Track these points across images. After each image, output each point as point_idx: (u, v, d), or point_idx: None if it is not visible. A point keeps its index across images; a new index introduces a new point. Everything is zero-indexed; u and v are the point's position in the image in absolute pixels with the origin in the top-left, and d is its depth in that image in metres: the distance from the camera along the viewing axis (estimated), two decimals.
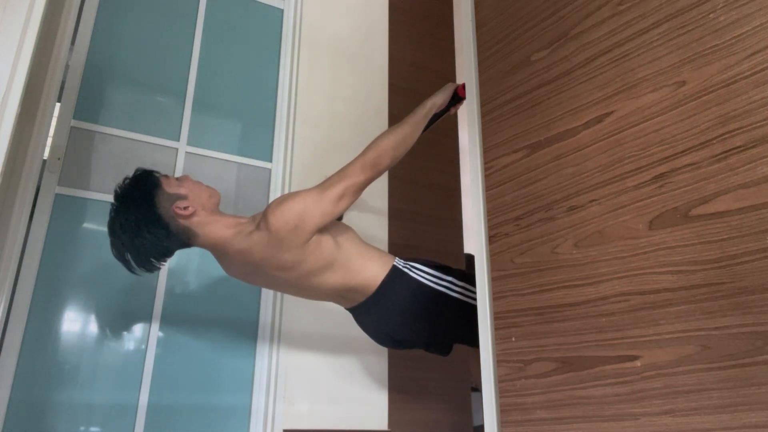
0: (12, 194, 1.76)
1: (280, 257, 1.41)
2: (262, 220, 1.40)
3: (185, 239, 1.44)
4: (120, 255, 1.41)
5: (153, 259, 1.43)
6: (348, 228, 1.60)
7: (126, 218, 1.37)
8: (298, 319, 2.13)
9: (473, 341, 1.30)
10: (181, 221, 1.41)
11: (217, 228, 1.44)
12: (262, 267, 1.45)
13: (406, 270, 1.57)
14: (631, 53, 1.03)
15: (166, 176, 1.46)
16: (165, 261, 1.47)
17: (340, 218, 2.22)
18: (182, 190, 1.43)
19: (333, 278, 1.51)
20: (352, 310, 1.65)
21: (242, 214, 2.18)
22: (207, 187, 1.50)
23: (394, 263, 1.57)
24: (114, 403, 1.82)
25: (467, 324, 1.44)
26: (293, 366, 2.07)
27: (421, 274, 1.57)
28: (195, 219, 1.42)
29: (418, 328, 1.59)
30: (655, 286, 0.91)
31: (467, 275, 1.59)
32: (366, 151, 1.44)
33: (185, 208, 1.40)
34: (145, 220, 1.37)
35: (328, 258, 1.47)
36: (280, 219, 1.36)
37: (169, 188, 1.42)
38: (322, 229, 1.44)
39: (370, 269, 1.55)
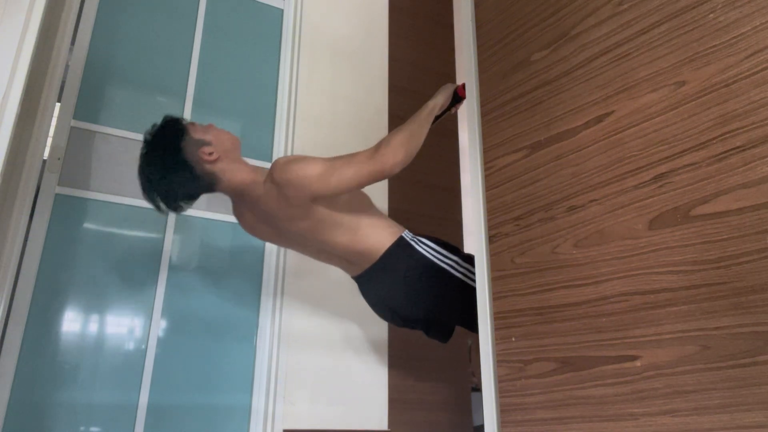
0: (12, 194, 1.76)
1: (288, 209, 1.47)
2: (269, 173, 1.47)
3: (209, 183, 1.50)
4: (149, 196, 1.47)
5: (179, 202, 1.50)
6: (362, 193, 1.61)
7: (154, 161, 1.45)
8: (298, 319, 2.13)
9: (473, 325, 1.30)
10: (206, 166, 1.47)
11: (238, 174, 1.51)
12: (273, 216, 1.52)
13: (412, 243, 1.59)
14: (631, 53, 1.03)
15: (192, 123, 1.51)
16: (190, 204, 1.53)
17: None
18: (207, 137, 1.49)
19: (340, 239, 1.54)
20: (357, 278, 1.68)
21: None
22: (230, 135, 1.55)
23: (402, 234, 1.60)
24: (114, 403, 1.82)
25: (467, 306, 1.44)
26: (293, 366, 2.07)
27: (427, 248, 1.59)
28: (219, 165, 1.49)
29: (417, 301, 1.60)
30: (655, 286, 0.91)
31: (473, 260, 1.60)
32: (377, 144, 1.43)
33: (210, 153, 1.46)
34: (171, 163, 1.44)
35: (336, 218, 1.51)
36: (283, 177, 1.42)
37: (195, 134, 1.48)
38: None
39: (377, 236, 1.57)
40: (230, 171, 1.51)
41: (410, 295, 1.59)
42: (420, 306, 1.61)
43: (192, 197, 1.52)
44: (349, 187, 1.43)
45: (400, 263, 1.58)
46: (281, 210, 1.49)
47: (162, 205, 1.48)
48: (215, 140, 1.49)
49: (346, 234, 1.54)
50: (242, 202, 1.58)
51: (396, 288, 1.60)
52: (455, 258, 1.58)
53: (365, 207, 1.60)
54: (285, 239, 1.64)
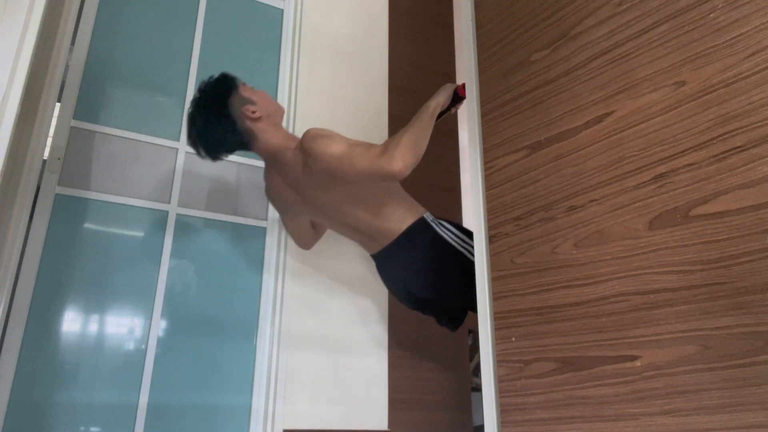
0: (12, 194, 1.76)
1: (311, 178, 1.57)
2: (300, 141, 1.57)
3: (246, 140, 1.62)
4: (191, 141, 1.62)
5: (217, 151, 1.62)
6: None
7: (201, 109, 1.59)
8: (298, 319, 2.13)
9: None
10: (248, 122, 1.60)
11: (274, 137, 1.63)
12: (299, 183, 1.62)
13: (432, 224, 1.65)
14: (631, 53, 1.03)
15: (244, 84, 1.66)
16: (226, 156, 1.66)
17: None
18: (254, 97, 1.62)
19: (361, 213, 1.61)
20: (375, 256, 1.73)
21: (242, 215, 2.18)
22: (277, 103, 1.71)
23: (424, 216, 1.66)
24: (114, 403, 1.82)
25: None
26: (293, 366, 2.07)
27: (446, 231, 1.65)
28: (259, 124, 1.61)
29: (432, 282, 1.64)
30: (655, 286, 0.91)
31: None
32: (384, 146, 1.43)
33: (253, 112, 1.59)
34: (216, 113, 1.58)
35: (358, 193, 1.58)
36: (309, 148, 1.51)
37: (244, 93, 1.62)
38: None
39: (398, 215, 1.64)
40: (268, 132, 1.62)
41: (426, 274, 1.64)
42: (434, 286, 1.65)
43: (228, 149, 1.63)
44: (359, 178, 1.48)
45: (419, 243, 1.63)
46: (306, 178, 1.58)
47: (202, 151, 1.62)
48: (260, 102, 1.62)
49: (367, 209, 1.61)
50: (274, 165, 1.68)
51: (412, 267, 1.65)
52: (473, 243, 1.61)
53: (389, 185, 1.65)
54: (309, 208, 1.70)
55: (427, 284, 1.65)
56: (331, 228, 1.79)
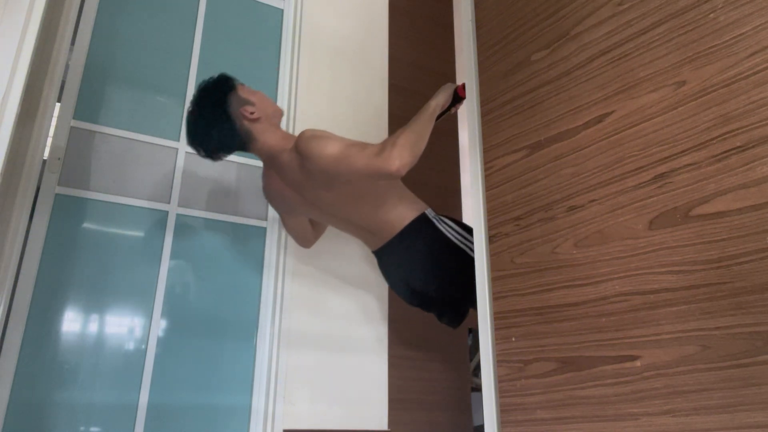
0: (12, 194, 1.76)
1: (309, 179, 1.57)
2: (295, 142, 1.55)
3: (245, 140, 1.61)
4: (190, 140, 1.61)
5: (217, 151, 1.62)
6: None
7: (200, 109, 1.59)
8: (298, 319, 2.13)
9: None
10: (246, 123, 1.59)
11: (274, 138, 1.62)
12: (299, 184, 1.62)
13: (434, 220, 1.67)
14: (631, 53, 1.03)
15: (242, 84, 1.65)
16: (225, 155, 1.65)
17: None
18: (252, 98, 1.61)
19: (362, 210, 1.63)
20: (376, 252, 1.74)
21: (242, 215, 2.18)
22: (275, 104, 1.69)
23: (425, 211, 1.68)
24: (114, 403, 1.82)
25: None
26: (293, 366, 2.07)
27: (447, 227, 1.66)
28: (257, 125, 1.60)
29: (433, 277, 1.65)
30: (655, 286, 0.91)
31: None
32: (383, 144, 1.43)
33: (252, 113, 1.59)
34: (214, 113, 1.57)
35: (359, 190, 1.58)
36: (305, 150, 1.50)
37: (243, 93, 1.61)
38: None
39: (400, 210, 1.65)
40: (266, 133, 1.61)
41: (426, 270, 1.65)
42: (435, 282, 1.66)
43: (228, 149, 1.62)
44: (356, 178, 1.48)
45: (420, 238, 1.64)
46: (304, 178, 1.58)
47: (201, 151, 1.61)
48: (259, 103, 1.61)
49: (368, 206, 1.62)
50: (272, 166, 1.68)
51: (413, 262, 1.66)
52: (473, 240, 1.63)
53: (390, 182, 1.65)
54: (310, 206, 1.70)
55: (427, 279, 1.66)
56: (333, 225, 1.79)
